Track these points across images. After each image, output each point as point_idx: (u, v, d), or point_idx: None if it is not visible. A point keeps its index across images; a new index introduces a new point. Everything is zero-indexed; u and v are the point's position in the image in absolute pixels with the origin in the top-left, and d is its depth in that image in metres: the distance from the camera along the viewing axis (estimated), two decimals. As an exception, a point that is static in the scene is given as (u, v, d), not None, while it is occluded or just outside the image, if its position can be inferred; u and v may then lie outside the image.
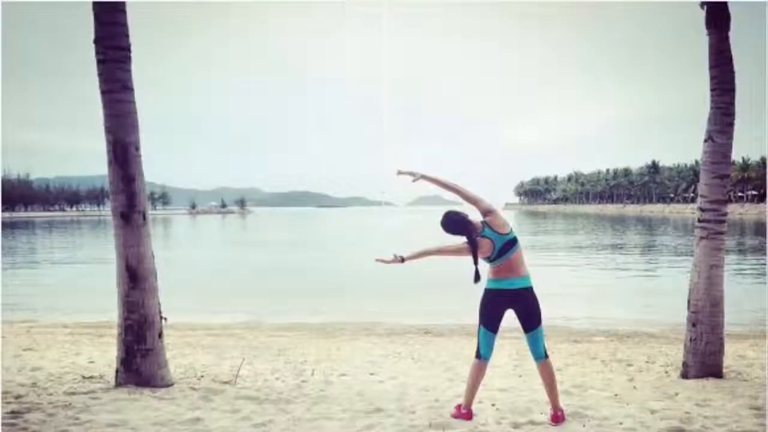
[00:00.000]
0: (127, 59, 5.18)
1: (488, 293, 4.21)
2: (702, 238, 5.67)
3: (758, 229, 51.48)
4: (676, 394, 5.03)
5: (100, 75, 5.14)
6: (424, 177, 4.31)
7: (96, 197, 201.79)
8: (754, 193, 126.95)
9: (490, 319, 4.22)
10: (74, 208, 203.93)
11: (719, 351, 5.69)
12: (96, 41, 5.11)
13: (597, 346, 8.63)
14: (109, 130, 5.15)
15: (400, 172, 4.39)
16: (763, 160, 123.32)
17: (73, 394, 5.03)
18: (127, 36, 5.18)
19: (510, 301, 4.18)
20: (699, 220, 5.72)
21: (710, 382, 5.45)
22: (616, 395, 5.06)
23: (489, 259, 4.18)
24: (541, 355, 4.25)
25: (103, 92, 5.15)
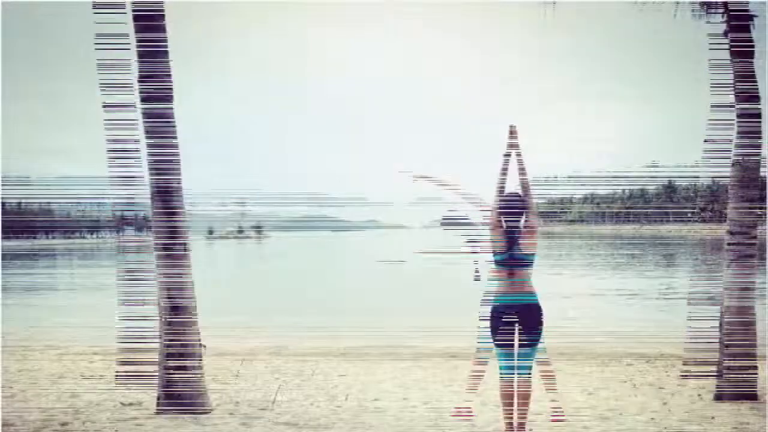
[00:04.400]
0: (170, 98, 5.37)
1: (495, 310, 4.24)
2: (732, 261, 5.71)
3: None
4: (713, 418, 5.04)
5: (144, 114, 5.33)
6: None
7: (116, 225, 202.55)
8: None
9: (501, 336, 4.25)
10: (94, 236, 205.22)
11: (753, 373, 5.69)
12: (140, 80, 5.31)
13: (626, 369, 8.58)
14: (153, 167, 5.34)
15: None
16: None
17: (117, 421, 5.16)
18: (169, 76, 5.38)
19: (517, 315, 4.20)
20: (728, 244, 5.77)
21: (745, 405, 5.45)
22: (652, 419, 5.08)
23: (497, 255, 4.21)
24: (526, 370, 4.27)
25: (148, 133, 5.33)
